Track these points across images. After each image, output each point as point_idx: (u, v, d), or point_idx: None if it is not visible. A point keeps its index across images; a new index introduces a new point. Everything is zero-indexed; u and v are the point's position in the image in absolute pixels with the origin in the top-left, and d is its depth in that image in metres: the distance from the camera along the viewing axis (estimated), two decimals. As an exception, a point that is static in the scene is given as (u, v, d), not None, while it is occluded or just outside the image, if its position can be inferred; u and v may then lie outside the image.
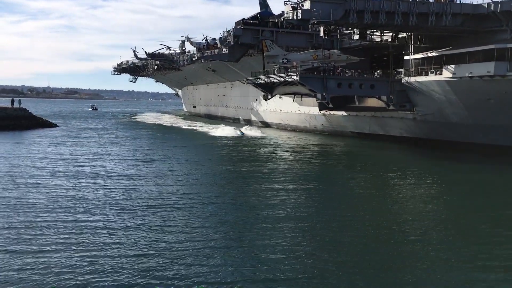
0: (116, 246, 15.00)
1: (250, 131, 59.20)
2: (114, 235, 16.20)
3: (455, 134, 41.69)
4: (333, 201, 22.41)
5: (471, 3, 37.43)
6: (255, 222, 18.14)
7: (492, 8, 35.75)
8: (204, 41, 68.60)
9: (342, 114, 52.58)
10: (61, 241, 15.41)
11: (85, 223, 17.48)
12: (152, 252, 14.59)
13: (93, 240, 15.54)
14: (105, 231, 16.63)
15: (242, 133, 56.63)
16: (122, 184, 24.94)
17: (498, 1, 35.68)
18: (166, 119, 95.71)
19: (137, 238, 15.84)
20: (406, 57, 42.85)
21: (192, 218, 18.54)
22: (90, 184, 24.80)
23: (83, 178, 26.40)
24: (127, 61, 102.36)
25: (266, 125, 73.17)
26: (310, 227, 18.06)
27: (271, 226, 17.62)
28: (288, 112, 64.26)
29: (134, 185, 25.02)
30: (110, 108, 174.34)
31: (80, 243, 15.22)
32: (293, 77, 41.07)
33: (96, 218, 18.23)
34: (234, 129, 59.22)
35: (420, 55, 41.24)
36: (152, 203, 20.89)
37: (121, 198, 21.65)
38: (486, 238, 16.93)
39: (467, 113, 39.12)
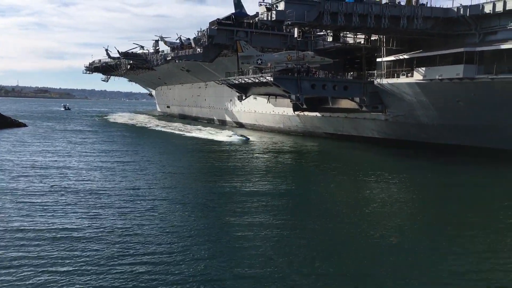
0: (80, 255, 14.38)
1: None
2: (77, 243, 15.58)
3: (425, 135, 42.55)
4: (307, 204, 22.44)
5: (441, 7, 38.29)
6: (230, 227, 17.93)
7: (462, 12, 36.64)
8: (178, 41, 68.03)
9: (316, 115, 52.99)
10: (14, 253, 14.41)
11: (45, 232, 16.56)
12: (122, 261, 14.17)
13: (51, 251, 14.79)
14: (66, 240, 16.00)
15: (247, 138, 51.40)
16: (89, 187, 24.33)
17: (467, 6, 36.60)
18: (140, 119, 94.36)
19: (105, 247, 15.33)
20: (378, 59, 43.51)
21: (160, 223, 18.23)
22: (58, 188, 24.24)
23: (53, 182, 25.79)
24: (100, 60, 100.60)
25: (240, 125, 73.13)
26: (283, 229, 18.10)
27: (245, 230, 17.44)
28: (262, 112, 64.38)
29: (104, 188, 24.57)
30: (82, 107, 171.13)
31: (41, 255, 14.31)
32: (267, 78, 41.16)
33: (56, 225, 17.26)
34: (233, 135, 53.90)
35: (392, 58, 41.93)
36: (121, 208, 20.52)
37: (87, 202, 20.95)
38: (454, 234, 17.34)
39: (437, 115, 39.98)
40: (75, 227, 17.19)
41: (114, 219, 18.37)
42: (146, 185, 25.15)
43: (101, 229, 17.01)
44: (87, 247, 15.06)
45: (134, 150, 40.43)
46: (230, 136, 53.02)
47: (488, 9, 35.40)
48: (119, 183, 25.41)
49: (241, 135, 52.65)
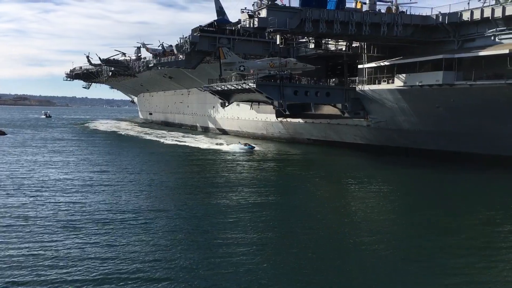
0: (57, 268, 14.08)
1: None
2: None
3: (406, 141, 43.05)
4: (291, 211, 22.37)
5: (420, 14, 38.92)
6: (214, 234, 17.83)
7: (440, 19, 37.30)
8: (160, 48, 67.85)
9: (299, 121, 53.22)
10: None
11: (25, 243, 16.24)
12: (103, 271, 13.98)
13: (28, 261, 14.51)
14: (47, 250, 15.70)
15: (252, 147, 48.24)
16: (68, 197, 23.92)
17: (445, 13, 37.27)
18: (123, 127, 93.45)
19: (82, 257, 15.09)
20: (360, 66, 43.96)
21: (143, 234, 18.03)
22: (36, 198, 23.76)
23: (34, 191, 25.32)
24: (80, 67, 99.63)
25: (223, 132, 73.05)
26: (267, 231, 18.08)
27: (230, 238, 17.36)
28: (245, 119, 64.41)
29: (84, 198, 24.25)
30: (62, 115, 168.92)
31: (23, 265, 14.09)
32: (250, 84, 41.23)
33: (34, 243, 16.36)
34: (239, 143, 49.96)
35: (373, 64, 42.41)
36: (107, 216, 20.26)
37: (65, 213, 20.45)
38: (438, 238, 17.53)
39: (418, 121, 40.50)
40: (54, 245, 16.44)
41: (97, 233, 18.08)
42: (130, 197, 24.86)
43: (81, 245, 16.68)
44: (67, 265, 14.55)
45: (130, 163, 38.16)
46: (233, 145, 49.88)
47: (466, 16, 36.10)
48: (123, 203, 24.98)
49: (246, 144, 49.05)
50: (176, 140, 59.08)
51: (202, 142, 56.34)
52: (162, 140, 60.33)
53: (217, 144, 54.12)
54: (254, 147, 48.39)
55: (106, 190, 25.57)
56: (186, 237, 17.33)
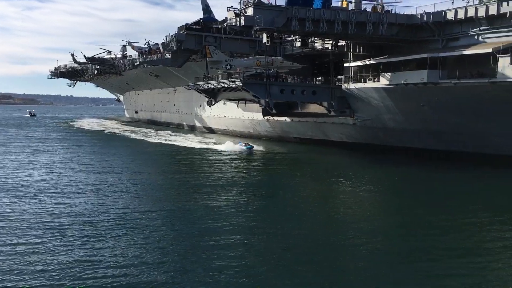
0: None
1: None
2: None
3: (392, 139, 43.39)
4: (278, 210, 22.27)
5: (405, 13, 39.23)
6: (202, 235, 17.63)
7: (425, 18, 37.64)
8: (146, 46, 67.56)
9: (285, 120, 53.32)
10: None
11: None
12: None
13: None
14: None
15: (251, 147, 46.29)
16: (53, 198, 23.62)
17: (430, 13, 37.61)
18: (109, 125, 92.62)
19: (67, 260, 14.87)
20: (346, 65, 44.17)
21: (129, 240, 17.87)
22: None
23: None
24: (65, 65, 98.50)
25: (210, 131, 72.91)
26: (254, 231, 18.10)
27: (218, 237, 17.25)
28: (232, 118, 64.33)
29: (69, 199, 24.01)
30: (47, 113, 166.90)
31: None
32: (236, 83, 41.18)
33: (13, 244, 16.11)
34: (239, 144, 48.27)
35: (359, 63, 42.65)
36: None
37: (49, 214, 20.12)
38: (425, 236, 17.72)
39: (403, 119, 40.85)
40: (38, 247, 16.21)
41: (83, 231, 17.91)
42: (117, 198, 24.68)
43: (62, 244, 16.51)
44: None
45: (118, 162, 37.57)
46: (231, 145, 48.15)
47: (450, 16, 36.48)
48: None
49: (246, 143, 47.33)
50: (168, 140, 58.10)
51: (195, 142, 55.45)
52: (150, 139, 59.67)
53: (214, 143, 53.07)
54: (253, 146, 46.67)
55: (92, 191, 25.34)
56: (174, 237, 17.25)
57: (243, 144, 46.84)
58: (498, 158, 36.08)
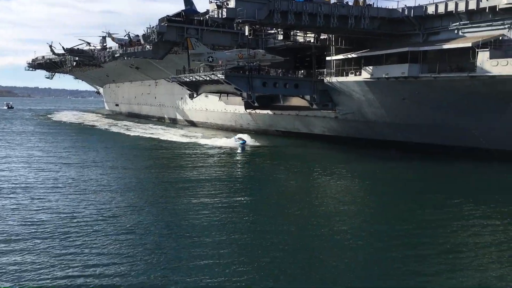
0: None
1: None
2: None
3: (373, 133, 43.76)
4: (262, 205, 22.07)
5: (387, 7, 39.45)
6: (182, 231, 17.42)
7: (406, 13, 37.91)
8: (126, 38, 66.42)
9: (268, 113, 53.28)
10: None
11: None
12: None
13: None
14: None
15: (243, 142, 43.85)
16: (30, 193, 23.12)
17: (411, 7, 37.91)
18: (89, 118, 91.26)
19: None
20: (328, 58, 44.26)
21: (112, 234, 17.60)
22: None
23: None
24: (43, 57, 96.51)
25: (192, 124, 72.48)
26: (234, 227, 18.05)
27: (201, 232, 17.09)
28: (214, 111, 64.02)
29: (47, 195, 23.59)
30: (25, 106, 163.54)
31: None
32: (218, 75, 40.92)
33: None
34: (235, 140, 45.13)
35: (341, 56, 42.77)
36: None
37: (26, 209, 19.70)
38: (408, 229, 17.91)
39: (385, 112, 41.19)
40: (12, 245, 16.01)
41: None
42: (97, 193, 24.33)
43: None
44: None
45: (99, 156, 36.90)
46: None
47: (431, 10, 36.83)
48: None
49: (239, 138, 44.78)
50: (155, 134, 56.50)
51: (179, 136, 54.30)
52: (133, 133, 58.46)
53: (212, 137, 51.23)
54: (245, 141, 44.09)
55: (71, 186, 24.93)
56: (156, 234, 17.03)
57: (238, 139, 44.47)
58: (477, 151, 36.75)
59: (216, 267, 13.75)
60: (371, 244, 16.19)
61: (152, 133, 57.18)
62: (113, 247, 15.23)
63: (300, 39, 44.90)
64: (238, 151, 41.87)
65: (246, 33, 41.02)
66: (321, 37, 43.35)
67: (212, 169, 31.49)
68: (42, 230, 16.89)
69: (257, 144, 45.54)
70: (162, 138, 52.08)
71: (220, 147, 44.05)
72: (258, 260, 14.37)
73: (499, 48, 32.95)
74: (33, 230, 16.80)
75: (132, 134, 57.48)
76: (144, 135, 55.38)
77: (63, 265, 13.65)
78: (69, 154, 37.45)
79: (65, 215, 18.82)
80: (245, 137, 45.61)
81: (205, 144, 46.22)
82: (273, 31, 47.28)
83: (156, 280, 12.82)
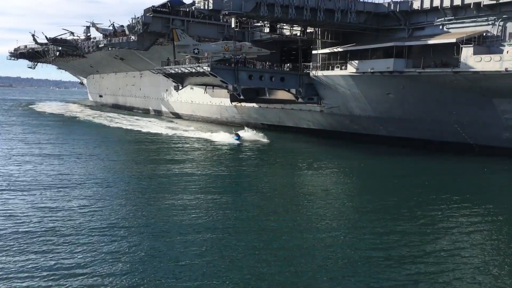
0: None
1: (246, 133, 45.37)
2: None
3: (358, 127, 44.03)
4: (246, 201, 21.58)
5: (373, 2, 39.63)
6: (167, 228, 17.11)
7: (392, 7, 38.12)
8: (111, 28, 65.66)
9: (253, 106, 53.21)
10: None
11: None
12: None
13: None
14: None
15: (238, 137, 42.96)
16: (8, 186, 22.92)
17: (397, 1, 38.13)
18: (72, 109, 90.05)
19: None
20: (314, 52, 44.32)
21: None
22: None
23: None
24: (25, 46, 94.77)
25: (177, 116, 72.04)
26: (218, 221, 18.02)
27: (184, 229, 16.84)
28: (199, 103, 63.71)
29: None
30: (6, 96, 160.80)
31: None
32: (204, 68, 40.69)
33: None
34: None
35: (327, 50, 42.85)
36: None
37: (4, 203, 19.52)
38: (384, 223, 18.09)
39: (369, 107, 41.44)
40: None
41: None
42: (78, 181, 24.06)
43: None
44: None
45: (81, 148, 37.00)
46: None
47: (416, 5, 37.09)
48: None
49: (236, 133, 43.71)
50: (138, 126, 55.70)
51: (164, 128, 53.20)
52: (121, 125, 57.46)
53: (210, 132, 48.24)
54: (240, 136, 42.98)
55: (53, 179, 24.64)
56: (136, 229, 16.93)
57: (234, 135, 43.12)
58: (459, 146, 37.25)
59: (199, 265, 13.49)
60: (357, 242, 16.08)
61: (143, 126, 55.87)
62: (92, 244, 14.95)
63: (287, 32, 44.85)
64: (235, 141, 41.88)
65: (233, 26, 40.76)
66: (307, 30, 43.37)
67: (195, 164, 31.33)
68: (21, 223, 16.62)
69: (256, 138, 44.02)
70: (154, 131, 50.40)
71: (214, 141, 42.87)
72: (241, 261, 14.00)
73: (482, 44, 33.36)
74: (12, 224, 16.52)
75: (117, 126, 56.60)
76: (139, 129, 53.34)
77: (40, 263, 13.33)
78: (51, 146, 36.96)
79: (45, 209, 18.53)
80: (249, 131, 44.95)
81: (199, 138, 44.98)
82: (259, 24, 47.15)
83: (137, 279, 12.54)
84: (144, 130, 51.77)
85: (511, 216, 20.31)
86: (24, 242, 14.68)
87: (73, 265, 13.20)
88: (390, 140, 41.29)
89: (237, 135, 43.20)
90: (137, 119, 65.28)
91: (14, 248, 14.19)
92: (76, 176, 24.76)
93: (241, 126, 57.05)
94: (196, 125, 58.13)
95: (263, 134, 44.58)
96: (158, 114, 77.83)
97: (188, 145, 40.52)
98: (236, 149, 40.17)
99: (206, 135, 46.59)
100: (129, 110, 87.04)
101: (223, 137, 44.11)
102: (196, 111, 66.53)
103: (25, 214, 17.52)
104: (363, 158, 35.90)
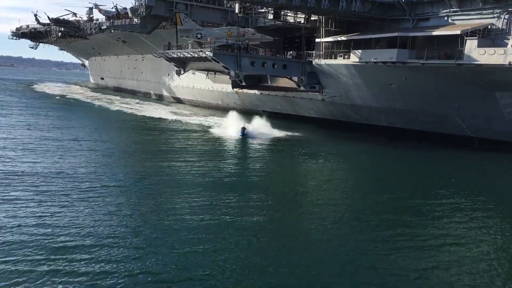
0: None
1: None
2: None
3: (359, 116, 43.96)
4: (246, 190, 21.21)
5: (378, -9, 39.24)
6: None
7: (397, -3, 37.81)
8: (114, 10, 65.18)
9: (255, 93, 53.07)
10: None
11: None
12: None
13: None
14: None
15: (243, 134, 36.91)
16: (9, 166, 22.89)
17: (402, -9, 37.78)
18: (74, 91, 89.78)
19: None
20: (317, 40, 44.06)
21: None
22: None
23: None
24: (27, 26, 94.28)
25: (178, 100, 71.94)
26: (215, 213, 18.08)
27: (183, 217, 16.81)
28: (201, 88, 63.55)
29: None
30: (7, 75, 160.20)
31: None
32: (207, 53, 40.51)
33: None
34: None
35: (330, 39, 42.60)
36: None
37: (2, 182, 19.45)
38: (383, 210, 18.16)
39: (371, 97, 41.34)
40: None
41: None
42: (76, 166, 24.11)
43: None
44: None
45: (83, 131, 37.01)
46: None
47: (422, -4, 36.79)
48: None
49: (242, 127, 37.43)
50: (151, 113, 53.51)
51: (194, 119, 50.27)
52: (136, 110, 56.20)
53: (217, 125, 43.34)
54: (245, 130, 37.18)
55: (53, 158, 24.71)
56: (138, 215, 16.98)
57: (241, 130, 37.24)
58: (459, 139, 37.23)
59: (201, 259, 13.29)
60: (358, 234, 15.99)
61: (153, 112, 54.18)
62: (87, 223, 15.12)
63: (291, 19, 44.55)
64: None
65: (236, 11, 40.53)
66: (311, 18, 43.06)
67: (194, 152, 31.36)
68: (19, 204, 16.74)
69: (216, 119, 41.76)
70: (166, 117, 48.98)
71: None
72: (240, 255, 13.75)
73: (487, 37, 33.14)
74: (8, 205, 16.61)
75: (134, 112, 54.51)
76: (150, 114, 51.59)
77: (35, 243, 13.39)
78: (53, 127, 36.99)
79: (42, 189, 18.69)
80: (261, 122, 40.06)
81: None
82: (263, 10, 46.81)
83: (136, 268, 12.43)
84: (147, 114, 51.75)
85: None
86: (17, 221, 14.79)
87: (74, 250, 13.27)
88: (390, 131, 41.26)
89: (243, 129, 37.06)
90: (138, 103, 65.07)
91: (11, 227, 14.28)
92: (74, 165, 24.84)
93: (242, 112, 56.79)
94: (197, 111, 57.84)
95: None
96: (159, 98, 77.68)
97: (186, 132, 40.53)
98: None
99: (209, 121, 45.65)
100: (130, 93, 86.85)
101: (226, 131, 38.46)
102: (197, 96, 66.39)
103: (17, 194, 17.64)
104: (363, 148, 35.88)
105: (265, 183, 22.53)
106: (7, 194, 17.58)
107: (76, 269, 12.00)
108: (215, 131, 39.30)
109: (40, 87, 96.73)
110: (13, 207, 16.14)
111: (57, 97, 72.30)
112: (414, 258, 13.89)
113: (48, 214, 15.72)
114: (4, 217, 15.20)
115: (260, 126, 39.30)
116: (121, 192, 18.92)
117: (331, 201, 19.73)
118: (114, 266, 12.30)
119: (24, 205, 16.61)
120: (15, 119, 40.68)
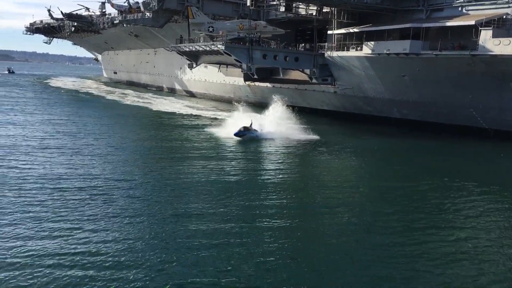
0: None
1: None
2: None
3: (372, 108, 43.73)
4: (256, 185, 21.03)
5: (391, -18, 38.86)
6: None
7: (410, -12, 37.42)
8: (126, 4, 65.52)
9: (267, 86, 53.04)
10: None
11: None
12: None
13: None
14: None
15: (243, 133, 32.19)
16: (26, 161, 23.23)
17: (416, -18, 37.37)
18: (89, 85, 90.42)
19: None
20: (329, 32, 43.81)
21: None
22: None
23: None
24: (41, 21, 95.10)
25: (190, 94, 72.20)
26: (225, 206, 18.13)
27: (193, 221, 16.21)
28: (213, 82, 63.69)
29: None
30: (23, 70, 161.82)
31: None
32: (218, 46, 40.56)
33: None
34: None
35: (342, 31, 42.34)
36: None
37: (17, 177, 19.51)
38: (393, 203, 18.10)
39: (384, 89, 41.08)
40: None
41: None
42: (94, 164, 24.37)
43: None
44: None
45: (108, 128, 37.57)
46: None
47: (435, -14, 36.34)
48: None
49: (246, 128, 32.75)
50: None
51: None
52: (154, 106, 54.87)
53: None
54: (256, 130, 33.19)
55: (69, 154, 25.01)
56: (149, 213, 17.03)
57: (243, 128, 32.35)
58: (473, 130, 36.88)
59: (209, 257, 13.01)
60: (372, 233, 15.55)
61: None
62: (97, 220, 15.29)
63: (302, 11, 44.34)
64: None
65: (248, 4, 40.37)
66: (323, 10, 42.80)
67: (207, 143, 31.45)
68: (33, 198, 16.97)
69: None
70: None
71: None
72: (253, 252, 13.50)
73: (502, 27, 32.67)
74: (22, 197, 16.82)
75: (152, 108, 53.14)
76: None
77: (41, 239, 13.49)
78: (71, 122, 37.40)
79: (53, 185, 18.90)
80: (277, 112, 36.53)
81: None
82: (275, 3, 46.58)
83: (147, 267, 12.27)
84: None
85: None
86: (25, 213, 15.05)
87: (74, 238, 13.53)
88: (403, 123, 41.00)
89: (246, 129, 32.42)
90: (152, 96, 65.34)
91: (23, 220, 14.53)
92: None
93: (254, 105, 56.57)
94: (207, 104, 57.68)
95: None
96: (172, 92, 78.02)
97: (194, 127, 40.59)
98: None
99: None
100: (143, 87, 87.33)
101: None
102: (209, 89, 66.56)
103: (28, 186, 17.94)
104: (377, 140, 35.56)
105: (278, 182, 22.21)
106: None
107: (85, 272, 11.80)
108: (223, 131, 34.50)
109: (54, 82, 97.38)
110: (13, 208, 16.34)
111: (73, 92, 72.88)
112: (437, 265, 13.30)
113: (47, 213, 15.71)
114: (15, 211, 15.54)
115: (275, 120, 35.58)
116: (131, 191, 18.75)
117: (350, 200, 18.90)
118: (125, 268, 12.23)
119: (19, 209, 16.53)
120: (35, 114, 41.19)
